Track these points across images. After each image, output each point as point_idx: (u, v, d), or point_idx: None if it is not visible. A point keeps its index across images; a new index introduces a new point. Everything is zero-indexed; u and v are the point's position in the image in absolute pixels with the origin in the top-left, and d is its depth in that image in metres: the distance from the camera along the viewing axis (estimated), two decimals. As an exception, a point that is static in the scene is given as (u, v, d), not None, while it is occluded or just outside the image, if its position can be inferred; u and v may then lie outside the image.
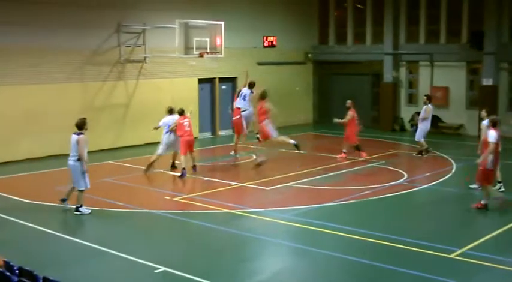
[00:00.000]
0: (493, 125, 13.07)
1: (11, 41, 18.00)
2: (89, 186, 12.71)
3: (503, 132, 22.62)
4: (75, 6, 19.37)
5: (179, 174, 16.09)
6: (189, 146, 16.22)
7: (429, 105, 18.67)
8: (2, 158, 17.93)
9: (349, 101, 18.84)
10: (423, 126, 18.69)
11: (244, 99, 18.53)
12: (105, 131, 20.37)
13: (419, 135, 18.73)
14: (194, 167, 16.57)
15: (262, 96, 16.92)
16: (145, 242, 10.93)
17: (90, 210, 12.62)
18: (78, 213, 12.53)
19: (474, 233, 11.05)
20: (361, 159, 18.33)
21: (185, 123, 16.10)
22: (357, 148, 18.60)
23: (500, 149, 13.08)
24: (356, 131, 18.70)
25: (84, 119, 12.75)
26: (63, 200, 12.84)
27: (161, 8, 21.43)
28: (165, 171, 16.78)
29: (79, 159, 12.48)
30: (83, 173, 12.54)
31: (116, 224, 12.08)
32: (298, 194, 14.45)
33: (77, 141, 12.43)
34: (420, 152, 18.90)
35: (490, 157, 12.75)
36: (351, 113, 18.48)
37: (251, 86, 18.65)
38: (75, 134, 12.57)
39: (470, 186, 14.26)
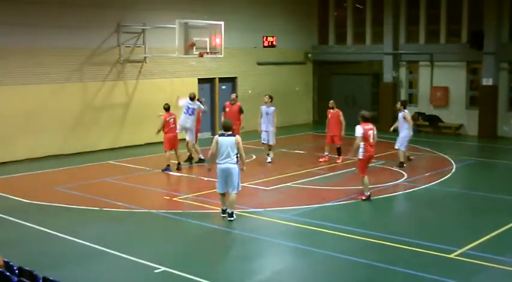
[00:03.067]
0: (363, 119, 13.26)
1: (10, 41, 17.99)
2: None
3: (503, 132, 22.99)
4: (75, 6, 19.36)
5: (164, 169, 16.63)
6: (173, 142, 16.76)
7: (405, 111, 17.65)
8: (1, 158, 17.91)
9: (331, 101, 18.48)
10: (405, 134, 17.25)
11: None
12: (105, 131, 20.38)
13: (403, 144, 17.24)
14: (179, 164, 16.89)
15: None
16: (145, 242, 10.92)
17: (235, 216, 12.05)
18: (232, 219, 11.93)
19: (474, 233, 11.03)
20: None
21: (171, 120, 16.66)
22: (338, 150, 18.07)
23: (372, 140, 13.31)
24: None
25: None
26: (224, 210, 12.15)
27: (161, 8, 21.42)
28: (165, 171, 16.76)
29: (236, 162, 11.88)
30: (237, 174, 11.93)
31: (116, 224, 12.05)
32: (298, 194, 14.44)
33: (237, 142, 11.76)
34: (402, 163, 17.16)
35: (361, 150, 13.16)
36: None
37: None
38: (224, 136, 11.81)
39: None
